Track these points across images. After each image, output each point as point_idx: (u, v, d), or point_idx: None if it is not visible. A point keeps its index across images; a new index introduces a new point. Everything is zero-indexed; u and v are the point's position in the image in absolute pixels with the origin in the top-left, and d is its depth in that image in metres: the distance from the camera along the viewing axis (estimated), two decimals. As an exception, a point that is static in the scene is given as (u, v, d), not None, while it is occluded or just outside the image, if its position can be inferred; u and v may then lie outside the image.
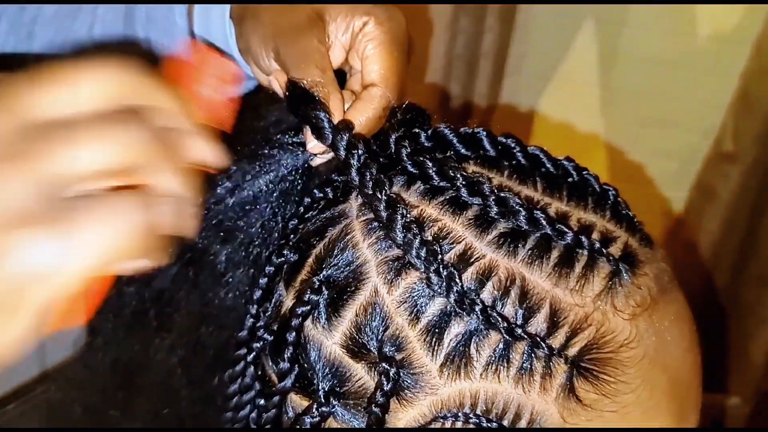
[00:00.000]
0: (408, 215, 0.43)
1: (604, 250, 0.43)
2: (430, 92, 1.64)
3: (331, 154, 0.50)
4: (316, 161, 0.51)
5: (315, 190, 0.50)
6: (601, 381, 0.41)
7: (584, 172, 0.47)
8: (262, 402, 0.49)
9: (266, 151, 0.51)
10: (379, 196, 0.44)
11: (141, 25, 0.66)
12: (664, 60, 1.74)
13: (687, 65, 1.73)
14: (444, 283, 0.41)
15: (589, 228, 0.44)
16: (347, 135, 0.46)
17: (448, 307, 0.42)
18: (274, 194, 0.51)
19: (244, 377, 0.50)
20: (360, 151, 0.46)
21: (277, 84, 0.53)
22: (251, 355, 0.49)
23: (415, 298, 0.42)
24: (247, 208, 0.51)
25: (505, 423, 0.41)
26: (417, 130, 0.50)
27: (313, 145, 0.48)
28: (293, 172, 0.51)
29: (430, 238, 0.43)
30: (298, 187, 0.52)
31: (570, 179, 0.47)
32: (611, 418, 0.42)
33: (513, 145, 0.48)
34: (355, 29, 0.53)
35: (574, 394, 0.41)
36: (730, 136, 1.67)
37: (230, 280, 0.51)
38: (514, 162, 0.47)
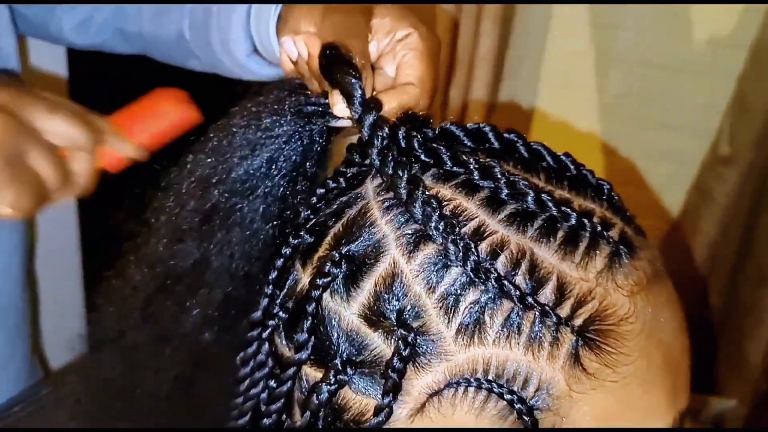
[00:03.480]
0: (426, 192, 0.45)
1: (605, 233, 0.46)
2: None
3: (348, 123, 0.52)
4: (335, 123, 0.53)
5: (328, 180, 0.52)
6: (604, 351, 0.44)
7: (581, 167, 0.50)
8: (275, 378, 0.50)
9: (278, 117, 0.53)
10: (400, 174, 0.46)
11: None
12: (661, 63, 1.75)
13: (684, 69, 1.74)
14: (461, 253, 0.43)
15: (590, 213, 0.47)
16: (375, 114, 0.48)
17: (463, 276, 0.44)
18: (288, 167, 0.53)
19: (258, 356, 0.51)
20: (384, 133, 0.47)
21: (303, 45, 0.55)
22: (266, 332, 0.50)
23: (433, 268, 0.45)
24: (257, 183, 0.53)
25: (515, 389, 0.44)
26: (424, 129, 0.52)
27: (340, 107, 0.50)
28: (307, 133, 0.53)
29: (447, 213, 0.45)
30: (313, 170, 0.54)
31: (568, 173, 0.49)
32: (613, 388, 0.44)
33: (516, 139, 0.50)
34: (397, 36, 0.57)
35: (579, 362, 0.44)
36: (726, 139, 1.68)
37: (242, 261, 0.53)
38: (517, 155, 0.50)
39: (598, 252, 0.45)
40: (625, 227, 0.48)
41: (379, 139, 0.47)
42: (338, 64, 0.51)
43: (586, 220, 0.45)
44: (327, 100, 0.52)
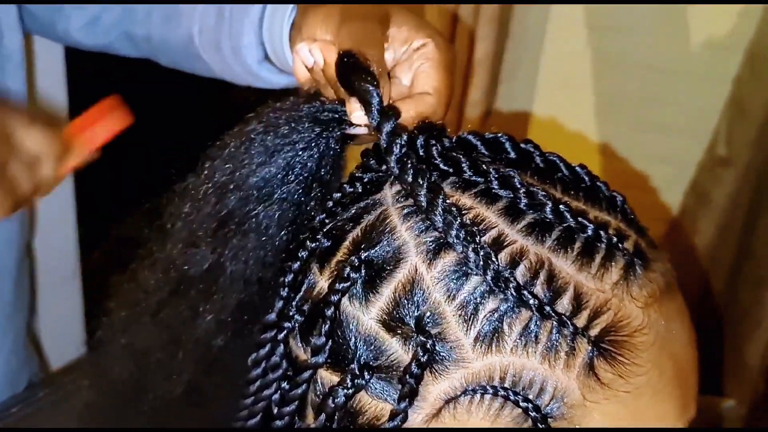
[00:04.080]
0: (447, 200, 0.46)
1: (620, 245, 0.46)
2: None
3: (364, 130, 0.52)
4: (352, 130, 0.53)
5: (345, 185, 0.52)
6: (618, 362, 0.44)
7: (596, 179, 0.50)
8: (288, 380, 0.50)
9: (295, 124, 0.53)
10: (420, 182, 0.46)
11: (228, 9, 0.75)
12: (657, 66, 1.75)
13: (680, 71, 1.75)
14: (481, 262, 0.44)
15: (606, 225, 0.47)
16: (394, 121, 0.49)
17: (483, 285, 0.44)
18: (304, 174, 0.53)
19: (272, 357, 0.51)
20: (403, 141, 0.48)
21: (318, 52, 0.55)
22: (282, 334, 0.50)
23: (453, 276, 0.45)
24: (273, 189, 0.53)
25: (530, 397, 0.44)
26: (441, 138, 0.52)
27: (358, 115, 0.50)
28: (324, 141, 0.53)
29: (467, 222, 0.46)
30: (328, 177, 0.54)
31: (583, 184, 0.50)
32: (625, 398, 0.45)
33: (533, 149, 0.51)
34: (414, 45, 0.57)
35: (593, 372, 0.44)
36: (723, 141, 1.69)
37: (256, 267, 0.53)
38: (533, 165, 0.50)
39: (613, 263, 0.45)
40: (638, 239, 0.48)
41: (398, 147, 0.48)
42: (356, 71, 0.51)
43: (602, 232, 0.46)
44: (344, 108, 0.52)
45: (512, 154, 0.50)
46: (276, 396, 0.51)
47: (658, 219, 1.81)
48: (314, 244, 0.50)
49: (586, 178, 0.50)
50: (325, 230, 0.50)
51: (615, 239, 0.46)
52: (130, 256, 0.57)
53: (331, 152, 0.54)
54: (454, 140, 0.51)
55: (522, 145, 0.51)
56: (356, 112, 0.51)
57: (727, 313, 1.73)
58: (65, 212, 1.37)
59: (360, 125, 0.52)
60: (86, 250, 1.42)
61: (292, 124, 0.53)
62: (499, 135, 0.51)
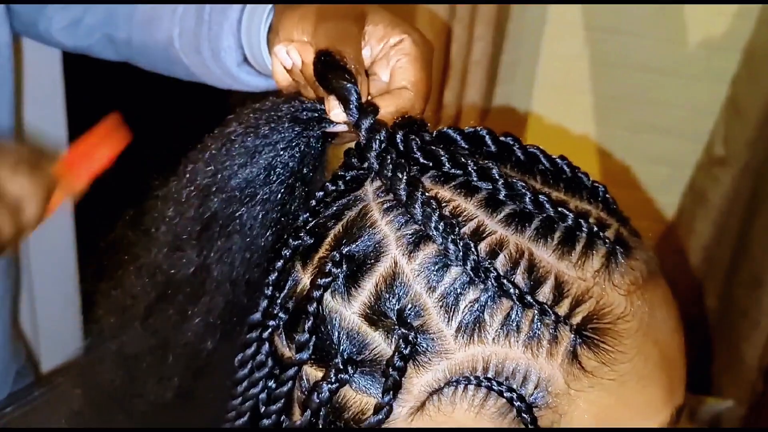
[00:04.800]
0: (426, 193, 0.46)
1: (601, 233, 0.46)
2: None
3: (344, 128, 0.52)
4: (332, 128, 0.53)
5: (327, 183, 0.52)
6: (601, 349, 0.44)
7: (577, 170, 0.50)
8: (275, 378, 0.50)
9: (275, 124, 0.53)
10: (400, 176, 0.46)
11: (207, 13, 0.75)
12: (655, 67, 1.76)
13: (678, 72, 1.75)
14: (461, 253, 0.44)
15: (586, 214, 0.47)
16: (372, 117, 0.49)
17: (463, 275, 0.45)
18: (286, 174, 0.54)
19: (257, 356, 0.51)
20: (381, 136, 0.48)
21: (296, 54, 0.56)
22: (267, 332, 0.50)
23: (433, 267, 0.45)
24: (256, 190, 0.53)
25: (514, 386, 0.44)
26: (421, 132, 0.52)
27: (337, 112, 0.51)
28: (305, 140, 0.54)
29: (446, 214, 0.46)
30: (310, 176, 0.54)
31: (564, 175, 0.50)
32: (610, 386, 0.45)
33: (513, 142, 0.51)
34: (390, 42, 0.58)
35: (577, 360, 0.44)
36: (720, 141, 1.69)
37: (242, 268, 0.53)
38: (514, 158, 0.50)
39: (594, 252, 0.46)
40: (620, 228, 0.48)
41: (377, 142, 0.48)
42: (333, 70, 0.52)
43: (582, 221, 0.46)
44: (323, 106, 0.53)
45: (492, 148, 0.51)
46: (263, 395, 0.51)
47: (655, 219, 1.81)
48: (297, 242, 0.50)
49: (567, 169, 0.50)
50: (307, 228, 0.50)
51: (596, 228, 0.46)
52: (119, 261, 0.57)
53: (313, 151, 0.54)
54: (434, 135, 0.52)
55: (502, 138, 0.51)
56: (335, 110, 0.51)
57: (725, 313, 1.73)
58: (62, 213, 1.38)
59: (339, 123, 0.52)
60: (84, 251, 1.42)
61: (272, 125, 0.53)
62: (479, 129, 0.51)
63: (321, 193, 0.51)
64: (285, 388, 0.49)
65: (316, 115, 0.53)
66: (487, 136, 0.51)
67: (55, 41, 0.94)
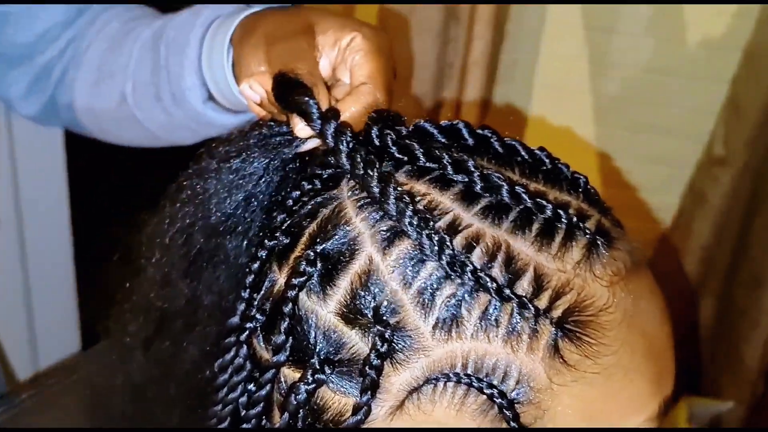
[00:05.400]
0: (399, 188, 0.46)
1: (581, 224, 0.46)
2: (419, 100, 1.65)
3: (317, 141, 0.52)
4: (304, 147, 0.53)
5: (303, 182, 0.52)
6: (584, 342, 0.44)
7: (557, 161, 0.50)
8: (254, 381, 0.50)
9: (246, 155, 0.54)
10: (371, 173, 0.46)
11: (164, 57, 0.73)
12: (654, 67, 1.75)
13: (677, 72, 1.74)
14: (436, 247, 0.43)
15: (566, 205, 0.47)
16: (335, 122, 0.49)
17: (439, 270, 0.44)
18: (265, 200, 0.54)
19: (236, 360, 0.51)
20: (348, 137, 0.48)
21: (258, 86, 0.56)
22: (244, 335, 0.50)
23: (408, 263, 0.45)
24: (237, 221, 0.54)
25: (494, 382, 0.44)
26: (397, 127, 0.52)
27: (300, 127, 0.51)
28: (279, 164, 0.54)
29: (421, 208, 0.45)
30: (285, 182, 0.54)
31: (544, 167, 0.49)
32: (595, 379, 0.44)
33: (490, 134, 0.50)
34: (342, 45, 0.58)
35: (559, 354, 0.44)
36: (720, 140, 1.68)
37: (230, 295, 0.54)
38: (492, 151, 0.50)
39: (574, 243, 0.45)
40: (602, 219, 0.48)
41: (344, 143, 0.48)
42: (289, 88, 0.52)
43: (561, 212, 0.45)
44: (290, 128, 0.53)
45: (469, 140, 0.50)
46: (242, 399, 0.51)
47: (655, 220, 1.80)
48: (273, 242, 0.50)
49: (547, 161, 0.49)
50: (283, 228, 0.50)
51: (575, 219, 0.46)
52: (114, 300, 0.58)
53: (290, 173, 0.54)
54: (410, 129, 0.51)
55: (479, 131, 0.50)
56: (298, 126, 0.51)
57: (724, 313, 1.72)
58: (59, 213, 1.37)
59: (309, 138, 0.52)
60: (80, 249, 1.42)
61: (244, 156, 0.53)
62: (456, 122, 0.51)
63: (297, 193, 0.51)
64: (263, 392, 0.48)
65: (286, 138, 0.53)
66: (464, 129, 0.50)
67: (17, 109, 0.87)
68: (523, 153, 0.50)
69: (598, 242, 0.45)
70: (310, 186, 0.51)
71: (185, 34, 0.70)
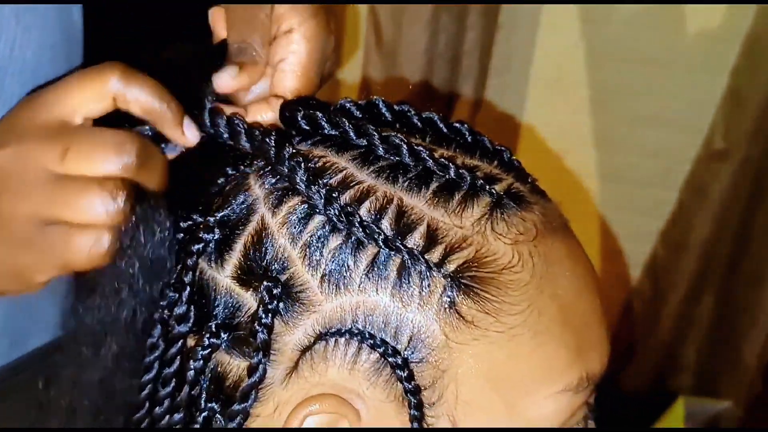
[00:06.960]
0: (295, 152, 0.46)
1: (487, 186, 0.46)
2: (414, 90, 1.64)
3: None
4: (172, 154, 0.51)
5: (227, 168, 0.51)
6: (483, 299, 0.44)
7: (478, 134, 0.50)
8: (166, 354, 0.49)
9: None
10: (268, 141, 0.46)
11: None
12: (653, 58, 1.72)
13: (676, 63, 1.72)
14: (323, 200, 0.44)
15: (473, 168, 0.47)
16: (222, 118, 0.49)
17: (327, 224, 0.44)
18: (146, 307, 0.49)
19: (150, 339, 0.49)
20: (239, 119, 0.48)
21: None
22: (159, 313, 0.49)
23: (296, 217, 0.45)
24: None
25: (387, 338, 0.43)
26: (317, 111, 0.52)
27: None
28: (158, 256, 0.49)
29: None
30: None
31: (460, 138, 0.50)
32: (499, 339, 0.44)
33: (408, 109, 0.51)
34: (282, 28, 0.56)
35: (455, 310, 0.43)
36: (720, 133, 1.66)
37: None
38: (410, 124, 0.51)
39: (476, 201, 0.45)
40: (516, 183, 0.48)
41: (240, 125, 0.48)
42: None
43: (465, 172, 0.45)
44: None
45: (388, 116, 0.50)
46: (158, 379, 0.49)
47: (654, 214, 1.78)
48: (187, 224, 0.49)
49: (467, 134, 0.50)
50: (199, 208, 0.50)
51: (481, 180, 0.46)
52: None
53: (164, 254, 0.49)
54: (331, 109, 0.51)
55: (396, 107, 0.51)
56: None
57: (724, 310, 1.70)
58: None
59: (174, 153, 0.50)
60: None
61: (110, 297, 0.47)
62: (374, 98, 0.51)
63: (222, 179, 0.50)
64: (173, 368, 0.47)
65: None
66: (381, 105, 0.51)
67: None
68: (441, 125, 0.50)
69: (505, 203, 0.45)
70: (233, 171, 0.51)
71: None
